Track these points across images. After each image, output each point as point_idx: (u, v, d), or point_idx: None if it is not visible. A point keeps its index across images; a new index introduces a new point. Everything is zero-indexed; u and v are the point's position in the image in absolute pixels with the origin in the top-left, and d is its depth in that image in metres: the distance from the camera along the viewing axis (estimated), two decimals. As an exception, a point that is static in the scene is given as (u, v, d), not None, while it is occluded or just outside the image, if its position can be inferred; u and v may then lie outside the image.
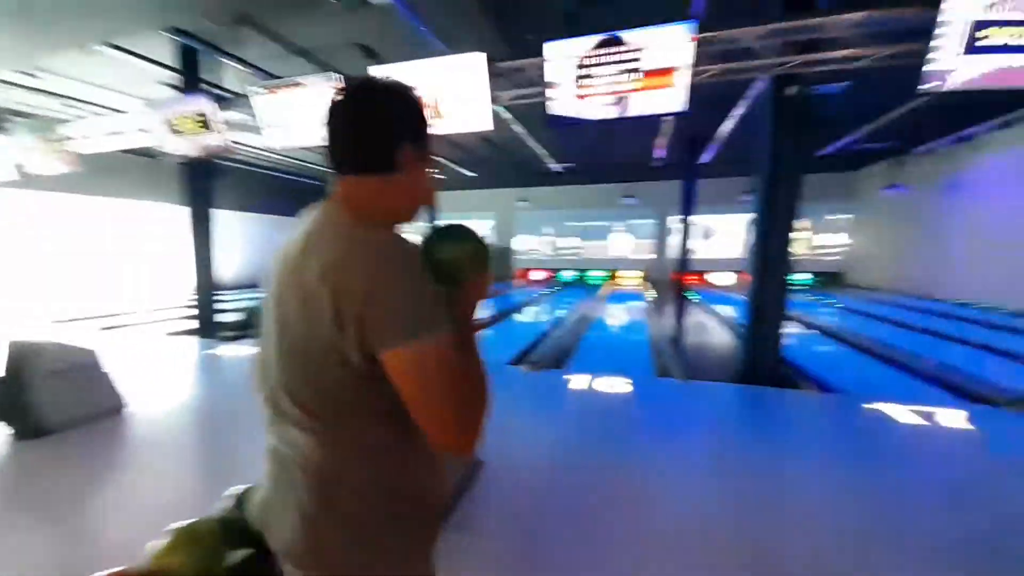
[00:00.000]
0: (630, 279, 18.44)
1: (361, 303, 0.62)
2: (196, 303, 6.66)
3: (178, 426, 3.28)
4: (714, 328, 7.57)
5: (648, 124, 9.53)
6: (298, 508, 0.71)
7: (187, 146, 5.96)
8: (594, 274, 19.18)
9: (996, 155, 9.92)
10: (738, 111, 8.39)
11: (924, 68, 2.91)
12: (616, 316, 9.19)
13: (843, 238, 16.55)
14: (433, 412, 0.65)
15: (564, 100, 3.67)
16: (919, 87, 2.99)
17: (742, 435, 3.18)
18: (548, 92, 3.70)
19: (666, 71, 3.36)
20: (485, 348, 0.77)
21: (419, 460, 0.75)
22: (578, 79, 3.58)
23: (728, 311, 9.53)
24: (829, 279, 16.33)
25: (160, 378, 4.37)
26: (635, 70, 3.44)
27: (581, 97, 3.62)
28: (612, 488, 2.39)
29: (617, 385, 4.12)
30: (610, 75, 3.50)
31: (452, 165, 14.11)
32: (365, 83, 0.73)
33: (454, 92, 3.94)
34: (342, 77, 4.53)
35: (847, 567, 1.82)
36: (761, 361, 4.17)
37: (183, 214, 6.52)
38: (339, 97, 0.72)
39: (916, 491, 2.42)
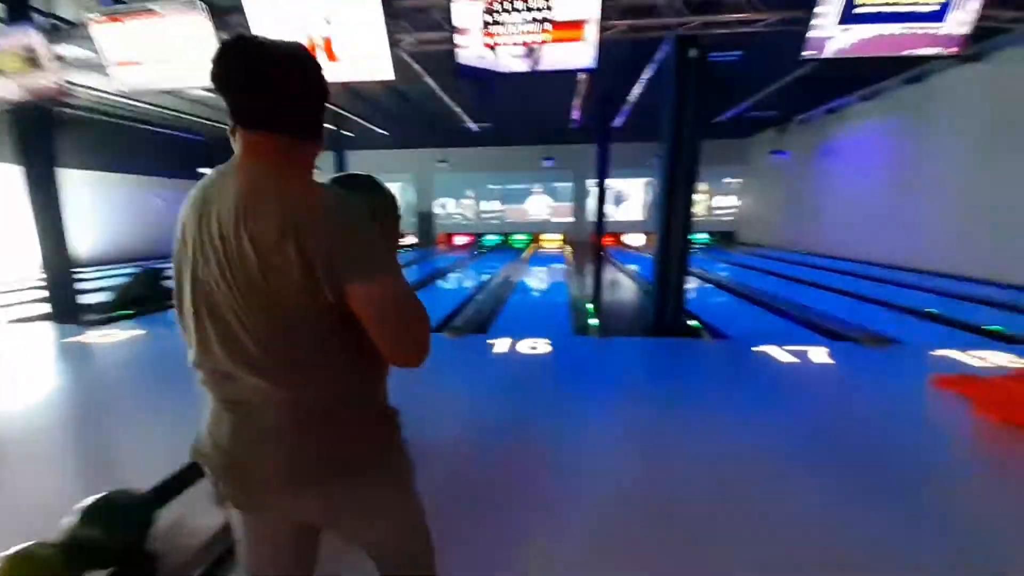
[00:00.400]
0: (552, 242, 18.90)
1: (328, 249, 0.69)
2: (46, 283, 5.54)
3: (35, 429, 2.74)
4: (628, 286, 8.03)
5: (564, 84, 9.48)
6: (284, 444, 0.77)
7: (11, 89, 4.72)
8: (517, 237, 19.34)
9: (858, 125, 11.40)
10: (646, 76, 8.62)
11: (807, 35, 3.13)
12: (538, 278, 9.36)
13: (735, 200, 18.33)
14: (395, 333, 0.76)
15: (473, 48, 3.42)
16: (801, 54, 3.23)
17: (652, 385, 3.42)
18: (456, 38, 3.41)
19: (576, 24, 3.26)
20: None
21: (381, 379, 0.89)
22: (486, 25, 3.34)
23: (639, 269, 10.17)
24: (723, 238, 18.14)
25: (10, 373, 3.62)
26: (544, 20, 3.28)
27: (491, 46, 3.40)
28: (533, 451, 2.42)
29: (538, 346, 4.20)
30: (519, 23, 3.31)
31: (362, 122, 13.00)
32: (297, 48, 0.74)
33: (347, 32, 3.48)
34: (207, 5, 3.79)
35: (751, 491, 2.05)
36: (667, 315, 4.49)
37: (16, 175, 5.25)
38: (271, 53, 0.71)
39: (797, 417, 2.80)
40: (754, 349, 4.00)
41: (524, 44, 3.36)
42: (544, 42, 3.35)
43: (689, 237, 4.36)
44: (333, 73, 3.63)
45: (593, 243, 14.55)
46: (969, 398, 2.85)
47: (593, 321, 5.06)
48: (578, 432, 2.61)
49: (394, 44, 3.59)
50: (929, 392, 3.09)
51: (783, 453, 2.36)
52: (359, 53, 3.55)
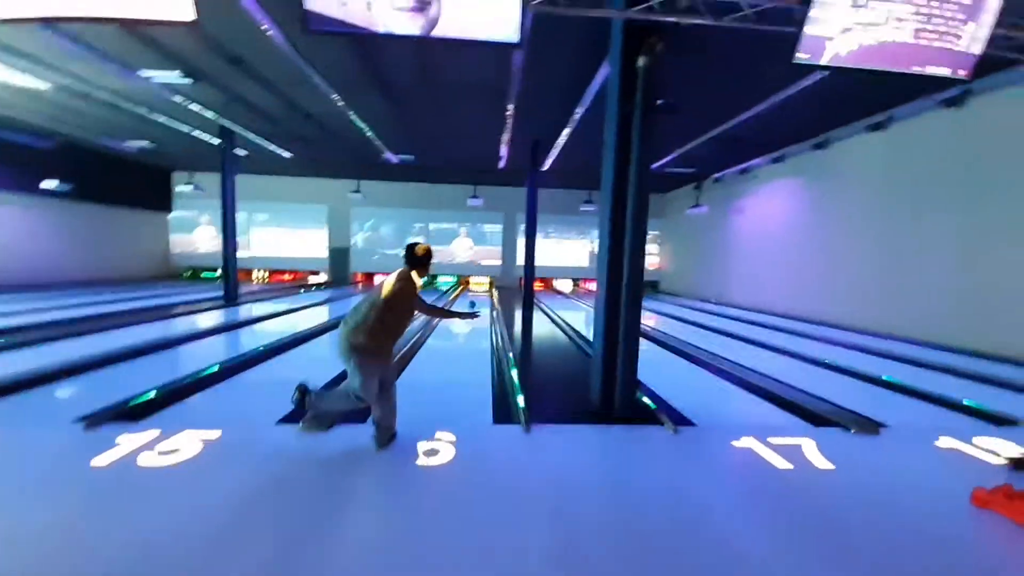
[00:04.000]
0: (479, 284, 17.91)
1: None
2: None
3: None
4: (562, 344, 6.97)
5: (492, 119, 8.74)
6: (357, 336, 2.64)
7: None
8: (443, 279, 18.07)
9: (768, 184, 11.97)
10: (578, 112, 8.13)
11: (803, 31, 2.40)
12: (457, 329, 7.99)
13: (655, 251, 18.88)
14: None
15: (330, -12, 2.24)
16: (795, 55, 2.49)
17: (611, 516, 2.17)
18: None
19: (493, -30, 2.23)
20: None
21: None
22: (351, -51, 2.19)
23: (571, 318, 9.27)
24: (648, 287, 18.40)
25: None
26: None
27: (360, -14, 2.24)
28: None
29: (440, 447, 2.84)
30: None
31: (259, 140, 11.18)
32: (424, 247, 2.95)
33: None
34: None
35: None
36: (616, 394, 3.39)
37: None
38: (413, 244, 2.94)
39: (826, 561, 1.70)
40: (735, 444, 2.99)
41: (413, -8, 2.25)
42: (445, -8, 2.26)
43: (640, 298, 3.37)
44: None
45: (521, 287, 13.71)
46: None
47: (519, 398, 3.81)
48: None
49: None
50: (980, 519, 2.21)
51: None
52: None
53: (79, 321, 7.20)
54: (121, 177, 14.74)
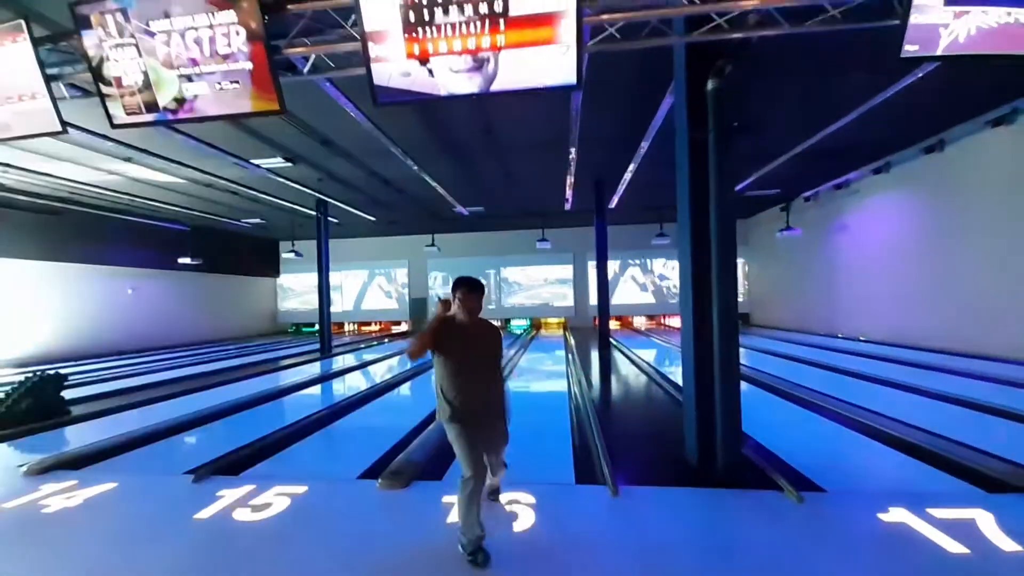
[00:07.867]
0: (553, 326, 17.76)
1: None
2: None
3: None
4: (645, 389, 6.45)
5: (555, 164, 8.89)
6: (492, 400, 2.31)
7: None
8: (517, 322, 18.20)
9: (873, 198, 10.60)
10: (642, 149, 7.95)
11: (908, 21, 2.07)
12: (532, 375, 7.80)
13: (742, 281, 17.34)
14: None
15: (395, 61, 2.38)
16: (904, 49, 2.15)
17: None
18: (371, 48, 2.39)
19: (544, 19, 2.24)
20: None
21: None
22: (411, 27, 2.33)
23: (653, 358, 8.64)
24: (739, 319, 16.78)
25: None
26: (497, 15, 2.26)
27: (420, 57, 2.37)
28: None
29: (518, 508, 2.64)
30: (459, 22, 2.30)
31: (348, 208, 12.44)
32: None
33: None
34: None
35: None
36: (718, 452, 2.94)
37: None
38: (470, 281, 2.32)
39: None
40: (882, 518, 2.40)
41: (470, 51, 2.33)
42: (498, 47, 2.31)
43: (737, 334, 2.98)
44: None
45: (596, 327, 13.23)
46: None
47: (600, 452, 3.49)
48: None
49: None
50: None
51: None
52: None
53: (204, 376, 8.19)
54: (239, 249, 17.23)
